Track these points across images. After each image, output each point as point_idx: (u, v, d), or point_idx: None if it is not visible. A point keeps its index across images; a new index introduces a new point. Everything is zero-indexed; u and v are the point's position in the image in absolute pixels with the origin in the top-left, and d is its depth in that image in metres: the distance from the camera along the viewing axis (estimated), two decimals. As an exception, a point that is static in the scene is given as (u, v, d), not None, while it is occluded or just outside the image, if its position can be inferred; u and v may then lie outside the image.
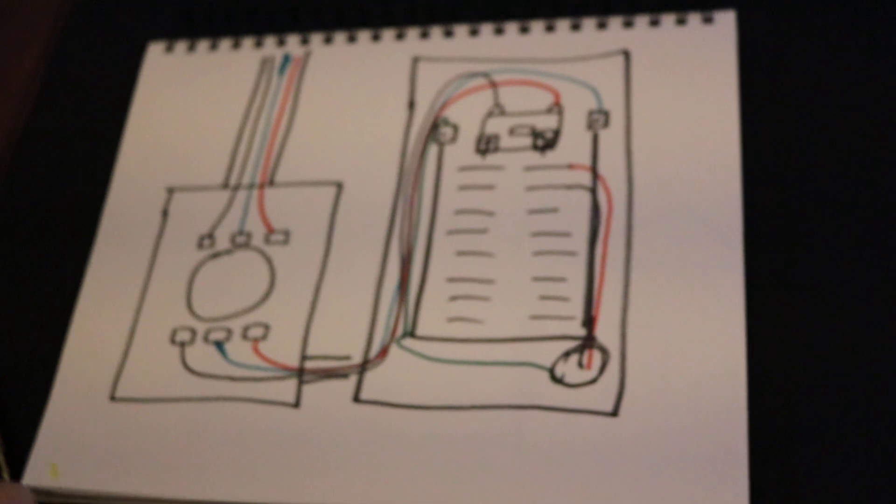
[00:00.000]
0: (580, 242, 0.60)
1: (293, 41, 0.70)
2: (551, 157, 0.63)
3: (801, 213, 0.60)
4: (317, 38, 0.70)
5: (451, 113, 0.66)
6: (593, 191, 0.61)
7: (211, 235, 0.65)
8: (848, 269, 0.58)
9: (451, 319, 0.60)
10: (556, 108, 0.64)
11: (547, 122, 0.64)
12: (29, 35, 0.78)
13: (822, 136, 0.62)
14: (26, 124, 0.73)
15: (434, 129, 0.65)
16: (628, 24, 0.66)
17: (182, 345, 0.62)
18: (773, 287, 0.58)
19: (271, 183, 0.66)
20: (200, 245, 0.64)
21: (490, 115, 0.65)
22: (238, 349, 0.61)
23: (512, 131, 0.64)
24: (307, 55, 0.70)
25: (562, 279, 0.59)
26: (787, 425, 0.55)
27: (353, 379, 0.59)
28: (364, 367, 0.59)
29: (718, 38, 0.64)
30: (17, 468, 0.60)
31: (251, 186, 0.66)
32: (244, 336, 0.61)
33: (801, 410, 0.55)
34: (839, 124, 0.62)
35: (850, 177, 0.61)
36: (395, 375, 0.59)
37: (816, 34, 0.65)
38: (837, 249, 0.59)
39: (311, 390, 0.59)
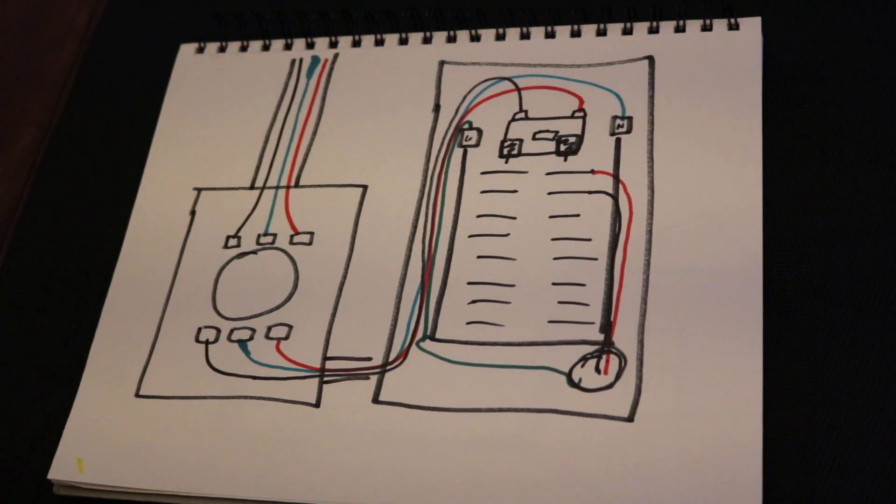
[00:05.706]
0: (601, 248, 0.61)
1: (322, 43, 0.71)
2: (574, 162, 0.63)
3: (820, 219, 0.60)
4: (345, 41, 0.71)
5: (476, 117, 0.66)
6: (615, 196, 0.62)
7: (237, 235, 0.66)
8: (886, 282, 0.58)
9: (471, 322, 0.60)
10: (580, 113, 0.65)
11: (570, 128, 0.64)
12: (65, 32, 0.79)
13: (846, 143, 0.62)
14: (60, 120, 0.74)
15: (458, 132, 0.66)
16: (654, 30, 0.66)
17: (206, 343, 0.63)
18: (792, 293, 0.58)
19: (297, 184, 0.66)
20: (227, 245, 0.65)
21: (514, 119, 0.65)
22: (261, 349, 0.62)
23: (535, 136, 0.65)
24: (335, 57, 0.70)
25: (581, 284, 0.60)
26: (802, 431, 0.55)
27: (373, 380, 0.60)
28: (384, 368, 0.60)
29: (744, 44, 0.64)
30: (44, 463, 0.61)
31: (277, 187, 0.67)
32: (267, 336, 0.62)
33: (816, 416, 0.55)
34: (864, 130, 0.62)
35: (874, 182, 0.61)
36: (415, 377, 0.59)
37: (841, 41, 0.65)
38: (869, 271, 0.59)
39: (332, 390, 0.60)
